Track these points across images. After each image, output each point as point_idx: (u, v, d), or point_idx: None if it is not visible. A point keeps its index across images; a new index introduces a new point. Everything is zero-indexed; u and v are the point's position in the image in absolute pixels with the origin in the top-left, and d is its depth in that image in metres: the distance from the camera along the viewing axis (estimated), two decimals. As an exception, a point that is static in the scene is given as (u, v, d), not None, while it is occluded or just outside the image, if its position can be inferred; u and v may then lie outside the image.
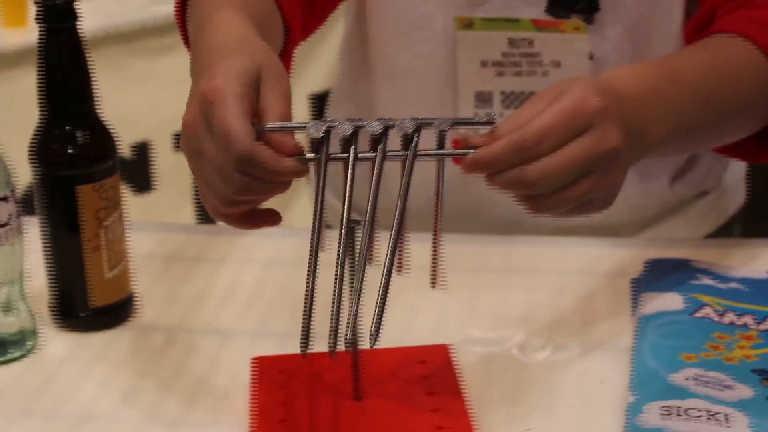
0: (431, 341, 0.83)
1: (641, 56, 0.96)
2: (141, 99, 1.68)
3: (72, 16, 0.84)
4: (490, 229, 1.02)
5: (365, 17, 1.03)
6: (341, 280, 0.68)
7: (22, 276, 0.86)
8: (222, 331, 0.89)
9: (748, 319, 0.83)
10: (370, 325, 0.67)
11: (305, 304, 0.68)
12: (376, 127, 0.70)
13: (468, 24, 0.97)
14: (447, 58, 0.99)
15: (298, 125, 0.70)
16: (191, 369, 0.84)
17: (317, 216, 0.69)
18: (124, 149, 1.92)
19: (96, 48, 0.84)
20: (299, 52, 0.97)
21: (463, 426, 0.73)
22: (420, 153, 0.70)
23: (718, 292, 0.86)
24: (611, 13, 0.95)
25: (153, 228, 1.05)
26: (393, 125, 0.70)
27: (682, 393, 0.74)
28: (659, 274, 0.89)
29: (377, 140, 0.70)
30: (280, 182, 0.70)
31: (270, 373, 0.79)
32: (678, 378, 0.76)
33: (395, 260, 0.69)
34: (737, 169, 1.11)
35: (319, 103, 2.23)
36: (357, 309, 0.67)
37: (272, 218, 0.73)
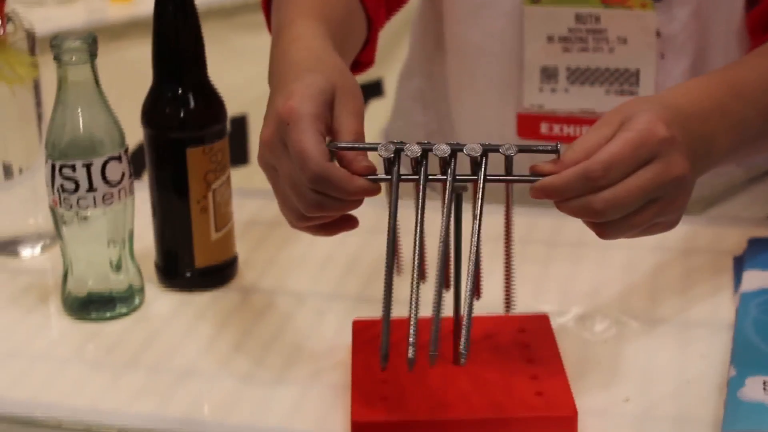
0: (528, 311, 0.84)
1: (706, 37, 0.96)
2: (241, 73, 1.71)
3: (187, -19, 0.86)
4: None
5: None
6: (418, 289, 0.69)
7: (131, 235, 0.88)
8: (323, 294, 0.91)
9: None
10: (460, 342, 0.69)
11: (383, 326, 0.69)
12: (444, 150, 0.71)
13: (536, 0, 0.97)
14: (514, 34, 1.00)
15: (369, 146, 0.72)
16: (292, 330, 0.86)
17: (391, 238, 0.71)
18: (223, 122, 1.94)
19: (200, 22, 0.87)
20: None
21: (561, 392, 0.74)
22: (489, 177, 0.71)
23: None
24: None
25: (254, 195, 1.07)
26: (460, 149, 0.71)
27: (785, 369, 0.74)
28: (763, 253, 0.88)
29: (446, 162, 0.71)
30: (352, 201, 0.71)
31: (370, 335, 0.81)
32: (781, 355, 0.76)
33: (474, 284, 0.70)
34: None
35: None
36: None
37: (349, 224, 0.74)
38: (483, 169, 0.71)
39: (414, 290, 0.69)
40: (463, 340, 0.68)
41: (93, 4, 1.87)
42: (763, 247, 0.90)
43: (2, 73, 0.91)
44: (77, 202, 0.84)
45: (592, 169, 0.69)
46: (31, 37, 0.93)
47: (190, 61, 0.87)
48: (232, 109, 0.94)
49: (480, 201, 0.70)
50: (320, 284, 0.92)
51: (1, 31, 0.92)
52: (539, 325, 0.81)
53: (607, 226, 0.71)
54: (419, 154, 0.71)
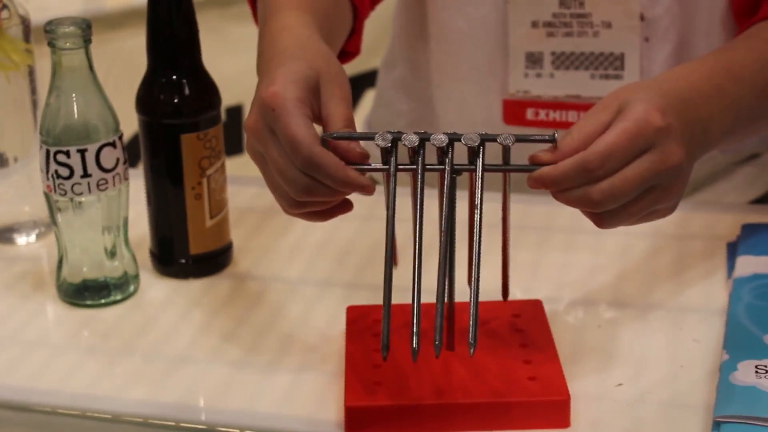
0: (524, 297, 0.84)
1: (690, 21, 0.97)
2: (236, 63, 1.71)
3: (181, -32, 0.86)
4: None
5: None
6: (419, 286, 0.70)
7: (126, 222, 0.88)
8: (317, 281, 0.91)
9: None
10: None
11: (384, 315, 0.69)
12: (442, 140, 0.71)
13: None
14: (498, 20, 1.00)
15: (365, 135, 0.71)
16: (286, 316, 0.86)
17: (390, 228, 0.71)
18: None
19: (196, 12, 0.87)
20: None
21: (554, 377, 0.74)
22: (487, 167, 0.71)
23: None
24: None
25: (249, 183, 1.07)
26: (458, 139, 0.71)
27: (777, 353, 0.74)
28: (756, 238, 0.88)
29: (443, 151, 0.71)
30: (342, 191, 0.71)
31: (364, 322, 0.81)
32: (773, 339, 0.76)
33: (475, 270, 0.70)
34: None
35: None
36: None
37: (344, 208, 0.74)
38: (481, 159, 0.71)
39: (415, 280, 0.69)
40: (471, 331, 0.69)
41: (89, -7, 1.88)
42: (756, 232, 0.90)
43: (-3, 60, 0.91)
44: (72, 188, 0.84)
45: (589, 160, 0.69)
46: (26, 24, 0.93)
47: (185, 46, 0.87)
48: (227, 99, 0.94)
49: (480, 191, 0.71)
50: (314, 271, 0.92)
51: (-4, 18, 0.92)
52: (533, 311, 0.81)
53: (604, 215, 0.71)
54: (417, 144, 0.71)
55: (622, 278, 0.89)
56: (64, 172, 0.84)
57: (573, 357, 0.79)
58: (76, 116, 0.84)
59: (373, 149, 0.73)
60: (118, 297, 0.89)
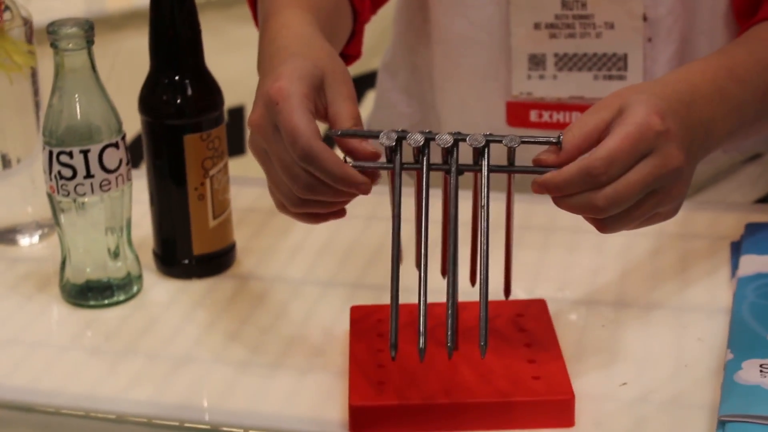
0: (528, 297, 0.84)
1: (692, 21, 0.97)
2: (238, 65, 1.71)
3: (184, -32, 0.86)
4: None
5: None
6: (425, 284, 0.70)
7: (129, 223, 0.88)
8: (320, 281, 0.91)
9: None
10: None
11: (391, 316, 0.70)
12: (446, 140, 0.71)
13: None
14: (500, 22, 1.00)
15: (371, 133, 0.71)
16: (290, 317, 0.86)
17: (396, 227, 0.71)
18: (221, 114, 1.95)
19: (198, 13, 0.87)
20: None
21: (558, 377, 0.74)
22: (493, 168, 0.71)
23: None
24: None
25: (252, 183, 1.07)
26: (463, 139, 0.71)
27: (781, 353, 0.74)
28: (760, 237, 0.88)
29: (448, 152, 0.71)
30: (343, 190, 0.71)
31: (368, 321, 0.81)
32: (778, 338, 0.76)
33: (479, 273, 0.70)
34: None
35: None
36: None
37: (336, 214, 0.74)
38: (486, 160, 0.71)
39: (421, 279, 0.69)
40: (482, 333, 0.69)
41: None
42: (760, 232, 0.90)
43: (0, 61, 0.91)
44: (75, 189, 0.84)
45: (593, 165, 0.69)
46: (28, 25, 0.93)
47: (187, 47, 0.87)
48: (229, 100, 0.94)
49: (486, 191, 0.71)
50: (318, 271, 0.92)
51: (-2, 20, 0.92)
52: (537, 310, 0.81)
53: (607, 220, 0.72)
54: (422, 143, 0.71)
55: (625, 277, 0.89)
56: (67, 172, 0.84)
57: (577, 356, 0.79)
58: (78, 117, 0.84)
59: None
60: (122, 298, 0.89)
